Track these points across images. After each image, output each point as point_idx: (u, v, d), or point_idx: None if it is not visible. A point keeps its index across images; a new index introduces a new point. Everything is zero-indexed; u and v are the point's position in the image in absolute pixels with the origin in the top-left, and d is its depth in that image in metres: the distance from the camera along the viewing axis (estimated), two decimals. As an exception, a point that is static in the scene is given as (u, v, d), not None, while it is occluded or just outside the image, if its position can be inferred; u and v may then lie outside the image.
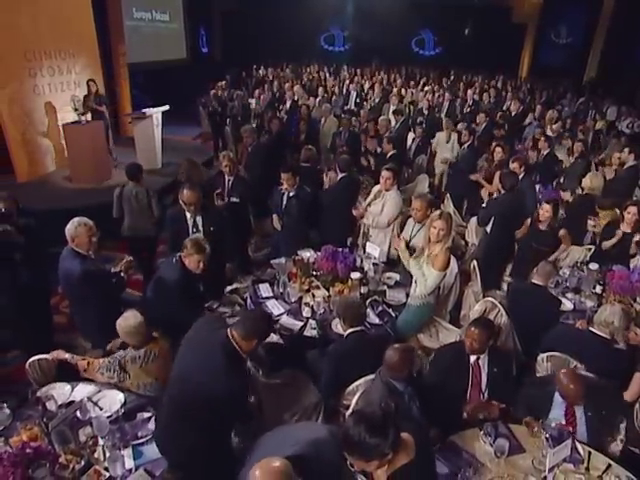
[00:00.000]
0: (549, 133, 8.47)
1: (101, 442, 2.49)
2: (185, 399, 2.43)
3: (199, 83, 13.30)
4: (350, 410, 2.65)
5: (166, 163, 8.11)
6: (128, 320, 2.86)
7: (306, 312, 3.59)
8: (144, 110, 7.52)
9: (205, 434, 2.43)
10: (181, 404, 2.45)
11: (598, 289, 4.10)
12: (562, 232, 4.73)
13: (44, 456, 2.19)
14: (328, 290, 3.82)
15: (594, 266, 4.33)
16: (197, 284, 3.57)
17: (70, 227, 3.41)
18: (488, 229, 4.95)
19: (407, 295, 3.77)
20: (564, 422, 2.66)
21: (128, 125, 10.05)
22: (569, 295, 4.13)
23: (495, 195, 5.39)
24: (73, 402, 2.69)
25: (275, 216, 5.06)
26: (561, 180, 6.81)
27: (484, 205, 5.30)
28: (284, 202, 4.85)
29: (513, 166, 5.58)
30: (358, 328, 3.10)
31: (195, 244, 3.40)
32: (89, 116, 7.41)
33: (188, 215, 4.22)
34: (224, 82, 12.35)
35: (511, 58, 20.18)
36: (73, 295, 3.65)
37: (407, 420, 2.20)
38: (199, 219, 4.25)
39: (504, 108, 10.84)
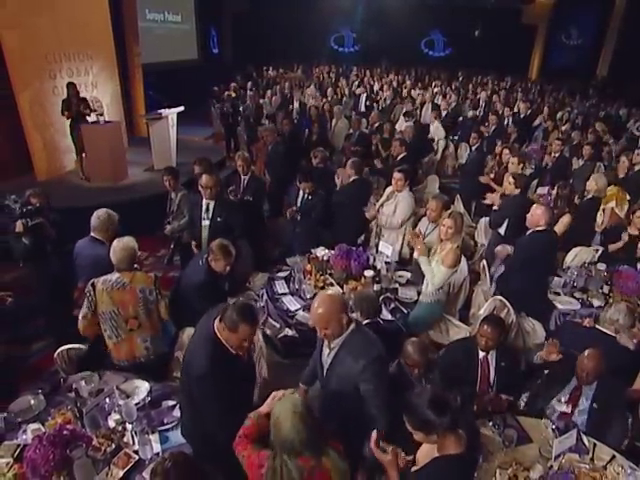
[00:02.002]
0: (559, 135, 8.55)
1: (129, 427, 2.64)
2: (184, 386, 2.56)
3: (210, 83, 13.49)
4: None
5: (180, 163, 8.26)
6: (121, 241, 3.15)
7: (321, 308, 3.71)
8: (160, 111, 7.68)
9: (211, 423, 2.46)
10: (183, 391, 2.60)
11: (605, 289, 4.20)
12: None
13: (80, 438, 2.34)
14: (342, 287, 3.95)
15: (602, 266, 4.43)
16: (222, 283, 3.67)
17: (93, 217, 3.69)
18: (501, 231, 4.96)
19: (418, 293, 3.92)
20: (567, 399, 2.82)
21: (142, 125, 10.25)
22: (577, 294, 4.24)
23: (499, 198, 5.46)
24: (102, 390, 2.85)
25: (290, 210, 5.16)
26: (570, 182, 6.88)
27: (495, 208, 5.30)
28: (300, 201, 5.04)
29: (512, 160, 5.68)
30: (373, 320, 3.26)
31: (221, 248, 3.43)
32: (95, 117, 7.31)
33: (204, 201, 4.45)
34: (248, 83, 12.52)
35: (521, 59, 20.22)
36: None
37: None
38: (211, 205, 4.46)
39: (515, 110, 10.88)
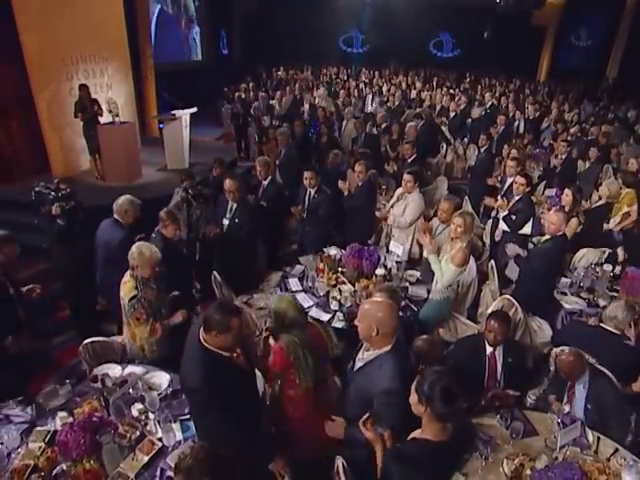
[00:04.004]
0: (567, 137, 8.59)
1: (152, 416, 2.77)
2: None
3: (220, 84, 13.63)
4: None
5: (192, 163, 8.41)
6: (138, 246, 3.22)
7: (334, 305, 3.85)
8: (173, 112, 7.83)
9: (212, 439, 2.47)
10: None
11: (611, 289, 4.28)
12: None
13: (108, 424, 2.48)
14: (354, 285, 4.06)
15: (608, 267, 4.50)
16: (179, 249, 3.98)
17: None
18: (527, 231, 5.01)
19: (428, 291, 4.03)
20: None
21: (155, 126, 10.42)
22: (583, 294, 4.32)
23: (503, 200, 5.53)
24: (126, 381, 2.99)
25: (296, 208, 5.24)
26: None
27: (504, 213, 5.23)
28: (307, 199, 5.14)
29: (510, 164, 5.75)
30: None
31: (169, 215, 3.83)
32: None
33: (229, 202, 4.70)
34: (251, 84, 12.61)
35: (530, 61, 20.15)
36: (111, 259, 3.87)
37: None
38: (234, 207, 4.69)
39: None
